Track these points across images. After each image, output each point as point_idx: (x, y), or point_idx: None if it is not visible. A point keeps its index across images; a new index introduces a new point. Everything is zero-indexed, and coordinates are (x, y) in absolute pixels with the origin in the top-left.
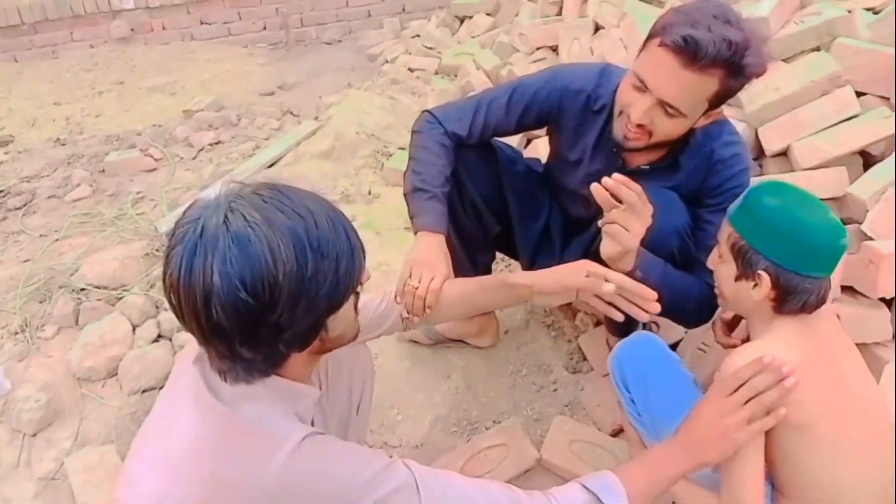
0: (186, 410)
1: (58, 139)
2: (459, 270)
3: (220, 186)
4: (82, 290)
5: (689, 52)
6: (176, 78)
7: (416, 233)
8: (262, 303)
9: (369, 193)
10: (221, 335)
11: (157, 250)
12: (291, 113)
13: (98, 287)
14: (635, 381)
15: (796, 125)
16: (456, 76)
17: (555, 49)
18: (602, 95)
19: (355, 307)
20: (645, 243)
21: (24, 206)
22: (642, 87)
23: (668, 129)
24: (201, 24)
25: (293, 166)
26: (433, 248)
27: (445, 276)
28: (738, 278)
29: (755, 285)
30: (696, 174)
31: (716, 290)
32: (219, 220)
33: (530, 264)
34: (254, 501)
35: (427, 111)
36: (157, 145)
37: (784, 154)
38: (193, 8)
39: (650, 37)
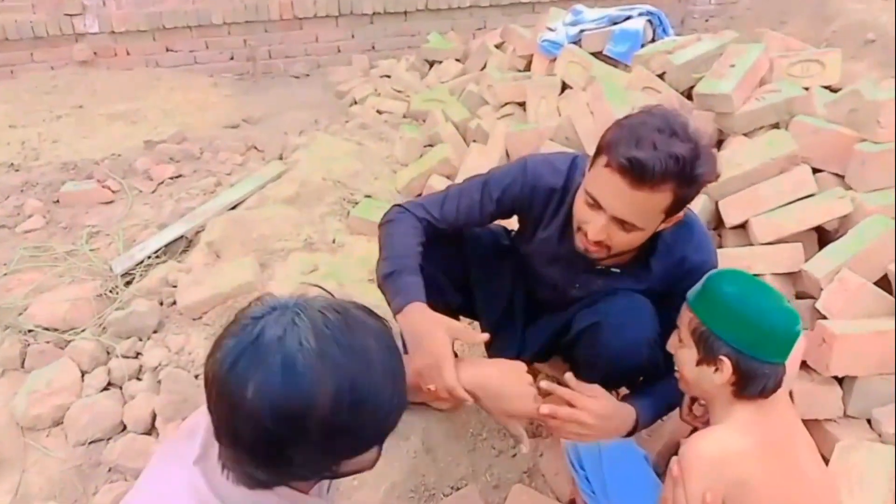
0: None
1: (11, 164)
2: None
3: (297, 293)
4: (30, 331)
5: (636, 174)
6: (138, 106)
7: (395, 316)
8: (283, 434)
9: (333, 242)
10: (234, 443)
11: (110, 291)
12: (256, 148)
13: (47, 329)
14: (589, 458)
15: (755, 200)
16: (424, 121)
17: (522, 105)
18: (570, 189)
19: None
20: (614, 359)
21: None
22: (596, 205)
23: (626, 242)
24: (167, 51)
25: (257, 209)
26: (422, 329)
27: (450, 360)
28: (699, 363)
29: (716, 370)
30: (668, 278)
31: (676, 374)
32: (277, 332)
33: (492, 336)
34: None
35: (397, 205)
36: (115, 177)
37: (742, 227)
38: (159, 35)
39: (597, 152)
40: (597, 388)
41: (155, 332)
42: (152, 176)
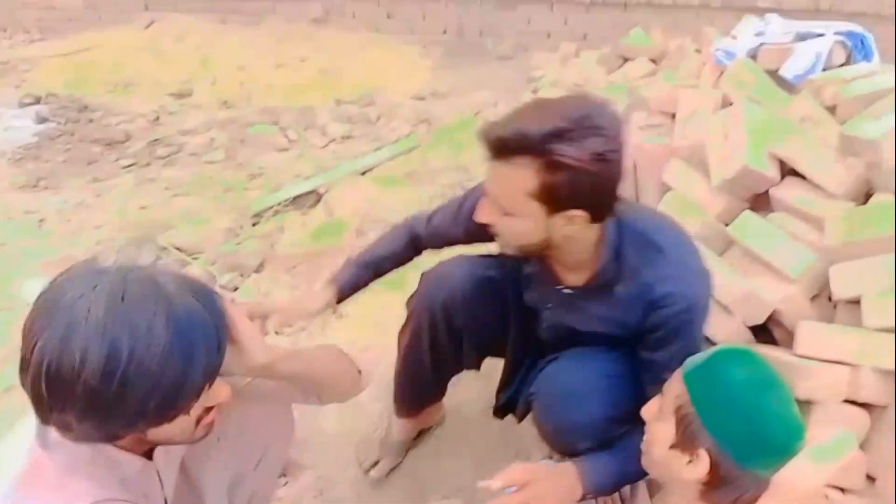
0: (20, 452)
1: (225, 102)
2: (419, 389)
3: (118, 255)
4: (164, 248)
5: (487, 142)
6: (345, 65)
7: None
8: (55, 396)
9: None
10: (36, 399)
11: (241, 228)
12: (428, 122)
13: (177, 248)
14: None
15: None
16: None
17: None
18: None
19: (197, 421)
20: (554, 437)
21: (168, 156)
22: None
23: (509, 230)
24: (388, 17)
25: (379, 179)
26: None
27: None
28: (674, 446)
29: (690, 462)
30: (635, 308)
31: (642, 446)
32: (75, 296)
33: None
34: None
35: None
36: (296, 127)
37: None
38: (384, 1)
39: None
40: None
41: (256, 271)
42: (327, 132)
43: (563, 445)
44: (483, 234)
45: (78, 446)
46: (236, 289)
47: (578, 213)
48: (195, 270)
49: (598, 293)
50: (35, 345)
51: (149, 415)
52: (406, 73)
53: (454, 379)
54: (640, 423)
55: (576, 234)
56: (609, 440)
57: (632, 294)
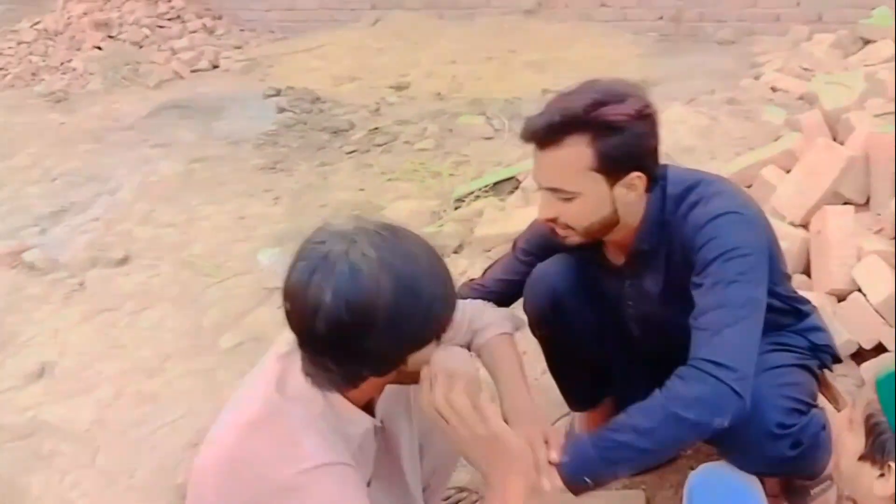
0: (256, 395)
1: (438, 93)
2: (570, 386)
3: (351, 221)
4: None
5: (530, 135)
6: (555, 56)
7: None
8: (358, 326)
9: None
10: (317, 345)
11: (444, 211)
12: None
13: None
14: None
15: None
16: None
17: None
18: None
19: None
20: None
21: (385, 144)
22: (540, 187)
23: (576, 213)
24: (601, 6)
25: None
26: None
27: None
28: (863, 458)
29: (882, 475)
30: (682, 263)
31: (832, 465)
32: (342, 248)
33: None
34: (256, 495)
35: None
36: (502, 117)
37: None
38: None
39: None
40: None
41: (455, 252)
42: None
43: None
44: (545, 249)
45: (313, 401)
46: None
47: (637, 176)
48: None
49: (639, 264)
50: (322, 295)
51: (429, 328)
52: (616, 61)
53: None
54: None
55: (635, 203)
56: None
57: (680, 244)
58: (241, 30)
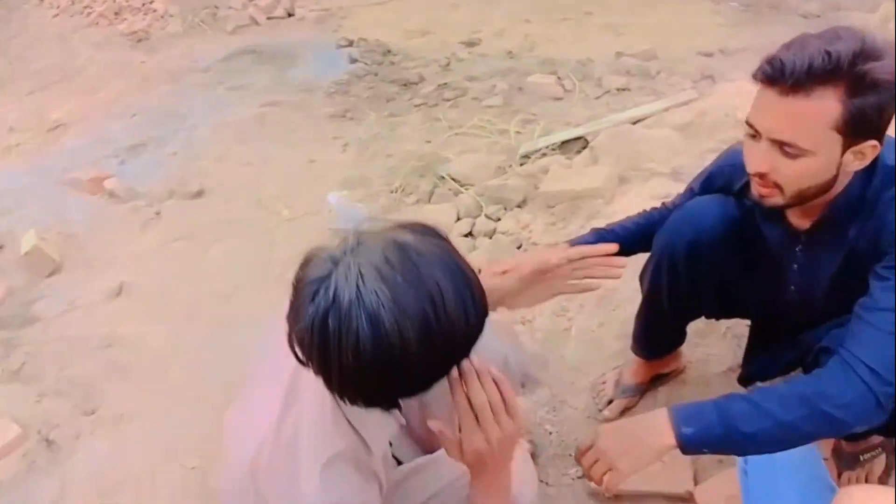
0: (269, 413)
1: (510, 52)
2: (657, 332)
3: (348, 240)
4: (441, 177)
5: (778, 76)
6: (632, 20)
7: None
8: (389, 371)
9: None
10: (342, 391)
11: (509, 166)
12: (711, 78)
13: (453, 179)
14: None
15: None
16: None
17: None
18: (732, 175)
19: None
20: None
21: (453, 99)
22: (756, 134)
23: (797, 173)
24: None
25: (650, 129)
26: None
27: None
28: None
29: None
30: (862, 248)
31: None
32: (351, 293)
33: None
34: None
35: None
36: (573, 77)
37: None
38: None
39: None
40: None
41: (518, 206)
42: (603, 83)
43: None
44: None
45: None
46: (499, 219)
47: (872, 145)
48: (466, 199)
49: (827, 234)
50: (344, 354)
51: (463, 346)
52: (695, 29)
53: (704, 330)
54: None
55: (852, 174)
56: None
57: (865, 233)
58: None
